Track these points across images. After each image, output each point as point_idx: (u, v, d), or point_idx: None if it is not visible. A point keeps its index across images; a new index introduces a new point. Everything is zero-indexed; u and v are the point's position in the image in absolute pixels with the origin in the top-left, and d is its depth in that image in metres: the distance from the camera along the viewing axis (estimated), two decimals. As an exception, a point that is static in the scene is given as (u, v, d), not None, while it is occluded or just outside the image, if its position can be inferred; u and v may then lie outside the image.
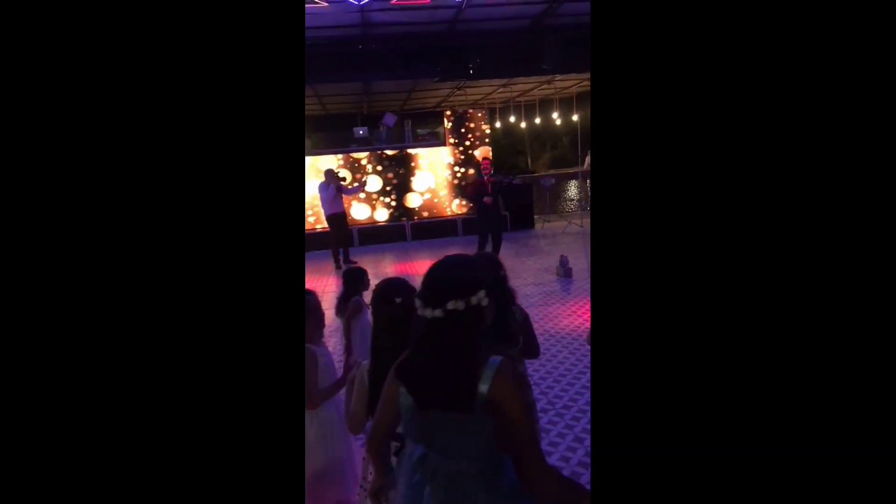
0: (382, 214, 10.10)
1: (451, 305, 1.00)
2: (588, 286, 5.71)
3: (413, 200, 10.13)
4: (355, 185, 9.33)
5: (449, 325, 1.01)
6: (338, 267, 7.47)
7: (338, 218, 7.56)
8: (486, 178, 6.24)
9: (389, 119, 9.42)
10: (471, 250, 8.47)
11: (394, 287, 1.51)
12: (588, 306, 4.97)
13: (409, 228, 9.90)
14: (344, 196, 7.85)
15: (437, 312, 1.01)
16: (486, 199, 5.57)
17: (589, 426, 2.80)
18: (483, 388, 0.97)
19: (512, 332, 1.80)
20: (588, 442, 2.64)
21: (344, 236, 7.76)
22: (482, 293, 1.03)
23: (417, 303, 1.05)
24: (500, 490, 1.00)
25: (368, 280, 3.02)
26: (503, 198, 5.48)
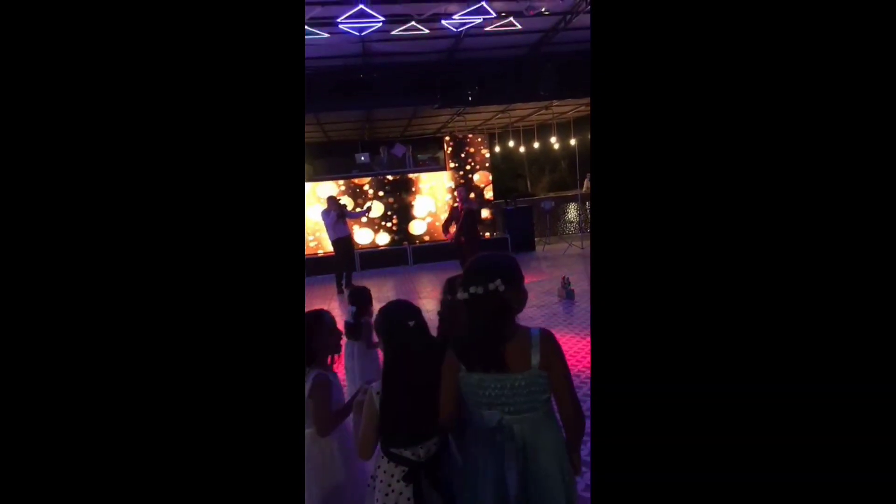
0: (384, 239, 10.15)
1: (472, 290, 1.29)
2: (588, 307, 5.70)
3: (417, 228, 10.21)
4: (358, 209, 9.42)
5: (475, 306, 1.30)
6: (340, 291, 7.50)
7: (342, 242, 7.64)
8: (458, 205, 6.17)
9: (399, 150, 9.61)
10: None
11: (403, 310, 1.51)
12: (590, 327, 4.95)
13: (410, 252, 9.94)
14: (348, 220, 7.94)
15: (464, 295, 1.32)
16: (451, 230, 5.84)
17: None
18: (535, 357, 1.29)
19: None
20: (583, 452, 2.61)
21: (349, 260, 7.83)
22: (498, 281, 1.28)
23: (459, 290, 1.33)
24: (555, 427, 1.37)
25: (372, 302, 3.03)
26: (472, 224, 5.59)
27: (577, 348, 4.41)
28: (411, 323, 1.46)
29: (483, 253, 1.43)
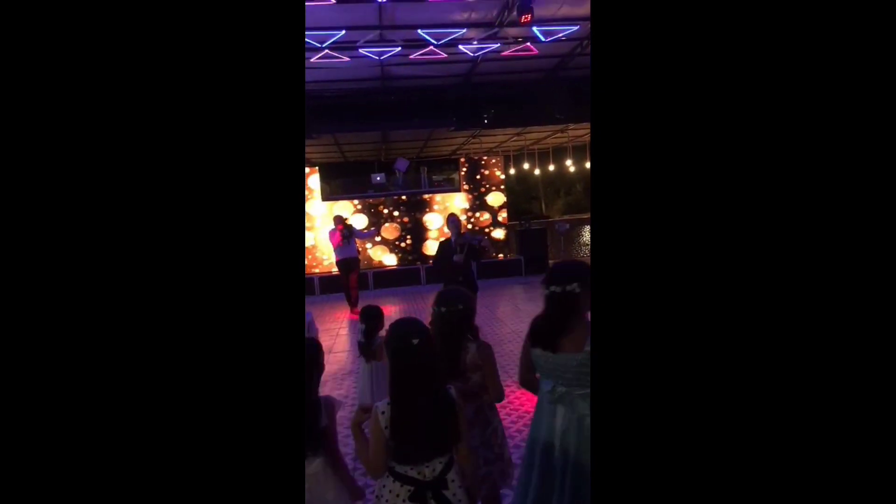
0: (397, 259, 10.20)
1: (553, 288, 1.68)
2: (604, 332, 5.62)
3: (431, 248, 10.25)
4: (371, 229, 9.46)
5: (553, 302, 1.70)
6: (352, 309, 7.45)
7: (345, 263, 7.30)
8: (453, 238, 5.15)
9: (401, 164, 9.67)
10: (485, 294, 8.46)
11: (408, 328, 1.50)
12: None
13: (423, 272, 9.95)
14: (358, 240, 7.82)
15: (546, 292, 1.71)
16: (457, 258, 4.89)
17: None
18: (588, 344, 1.63)
19: (461, 367, 1.89)
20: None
21: (351, 283, 7.41)
22: (575, 285, 1.65)
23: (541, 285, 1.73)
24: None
25: (382, 322, 3.02)
26: (472, 259, 5.06)
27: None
28: (415, 341, 1.45)
29: (564, 260, 1.86)
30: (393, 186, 10.68)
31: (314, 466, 1.71)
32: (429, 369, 1.46)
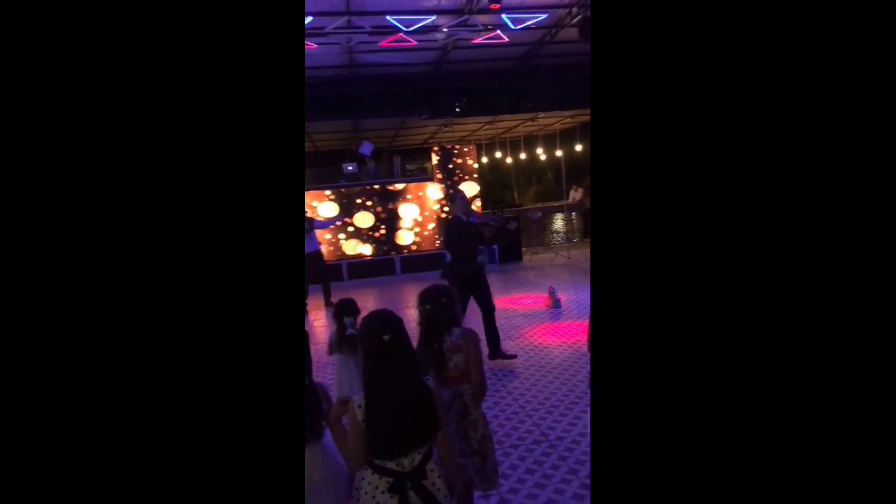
0: (371, 249, 10.14)
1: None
2: (577, 316, 5.74)
3: (405, 238, 10.21)
4: (333, 217, 9.28)
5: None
6: (327, 303, 7.36)
7: (310, 257, 6.93)
8: (474, 219, 4.76)
9: (366, 148, 9.42)
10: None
11: (380, 322, 1.49)
12: (579, 333, 4.99)
13: (398, 262, 9.92)
14: (317, 230, 7.59)
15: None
16: (481, 260, 4.33)
17: (582, 459, 2.78)
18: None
19: (438, 356, 1.93)
20: (581, 473, 2.62)
21: (319, 275, 7.20)
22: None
23: None
24: None
25: (358, 312, 3.02)
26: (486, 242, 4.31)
27: (565, 356, 4.43)
28: (386, 337, 1.45)
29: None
30: (365, 176, 10.56)
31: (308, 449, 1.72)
32: (402, 363, 1.46)
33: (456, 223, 4.44)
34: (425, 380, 1.50)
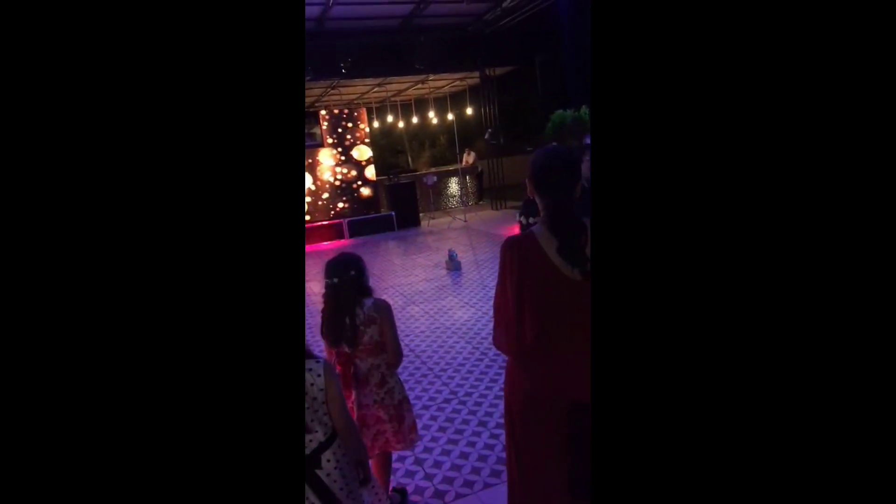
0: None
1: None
2: (476, 277, 5.94)
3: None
4: None
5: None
6: None
7: None
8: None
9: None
10: (360, 251, 8.32)
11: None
12: (479, 296, 5.17)
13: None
14: None
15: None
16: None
17: (490, 411, 2.93)
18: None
19: (351, 331, 1.91)
20: (490, 424, 2.76)
21: None
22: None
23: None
24: None
25: None
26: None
27: (467, 316, 4.58)
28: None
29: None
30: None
31: None
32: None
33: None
34: (311, 364, 1.40)
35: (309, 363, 1.39)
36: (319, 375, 1.38)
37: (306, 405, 1.36)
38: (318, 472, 1.40)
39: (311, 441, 1.39)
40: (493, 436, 2.64)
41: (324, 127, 10.00)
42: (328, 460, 1.41)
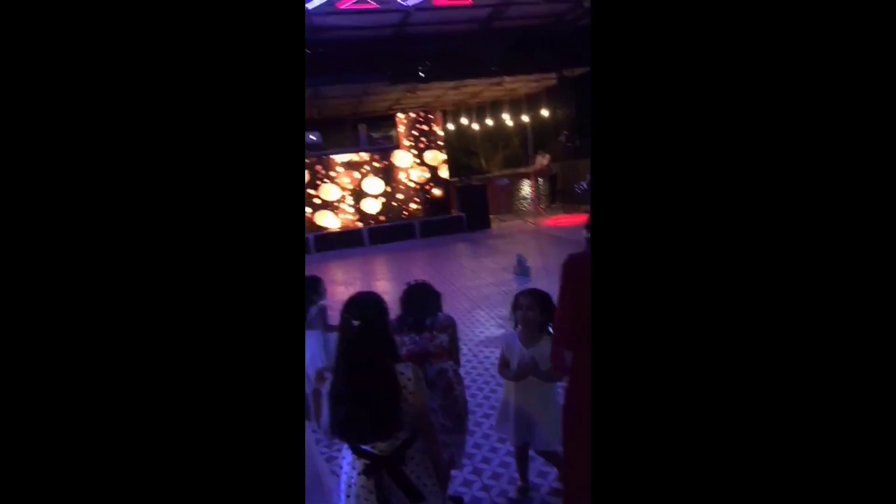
0: (338, 221, 9.96)
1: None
2: (545, 284, 5.83)
3: (369, 205, 10.04)
4: None
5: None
6: None
7: None
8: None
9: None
10: (430, 253, 8.45)
11: (355, 307, 1.46)
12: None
13: (366, 234, 9.80)
14: None
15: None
16: None
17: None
18: None
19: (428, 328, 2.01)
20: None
21: None
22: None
23: None
24: None
25: (324, 288, 3.00)
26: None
27: (533, 324, 4.51)
28: (356, 323, 1.42)
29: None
30: (329, 146, 10.26)
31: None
32: (371, 350, 1.43)
33: None
34: (402, 368, 1.46)
35: (399, 367, 1.46)
36: (410, 379, 1.45)
37: (399, 405, 1.43)
38: (403, 468, 1.45)
39: (397, 439, 1.45)
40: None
41: (400, 130, 10.27)
42: (412, 457, 1.47)
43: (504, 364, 2.12)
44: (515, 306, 2.08)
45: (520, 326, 2.08)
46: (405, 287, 2.11)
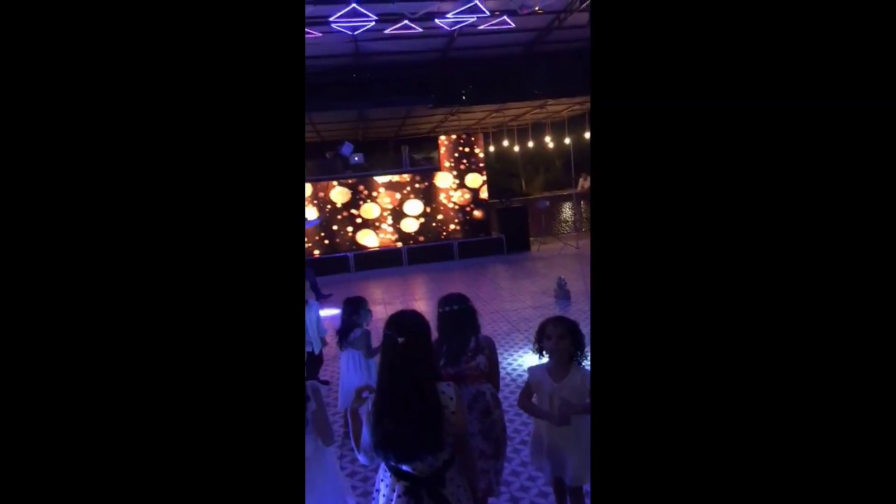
0: (376, 240, 10.10)
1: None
2: (586, 308, 5.67)
3: (408, 225, 10.15)
4: (311, 220, 9.29)
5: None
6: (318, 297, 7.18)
7: None
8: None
9: (346, 148, 9.44)
10: (468, 274, 8.41)
11: (400, 324, 1.45)
12: (588, 328, 4.93)
13: (405, 253, 9.88)
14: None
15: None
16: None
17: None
18: None
19: (467, 353, 1.96)
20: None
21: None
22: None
23: None
24: None
25: (369, 311, 3.00)
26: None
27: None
28: (401, 339, 1.41)
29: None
30: (372, 167, 10.48)
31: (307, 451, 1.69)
32: (413, 368, 1.41)
33: None
34: (443, 387, 1.44)
35: (441, 386, 1.45)
36: (452, 398, 1.43)
37: (441, 424, 1.40)
38: (443, 490, 1.42)
39: (437, 460, 1.42)
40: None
41: (442, 152, 10.39)
42: (451, 479, 1.44)
43: (527, 396, 1.95)
44: (542, 336, 1.92)
45: (547, 357, 1.93)
46: (441, 307, 2.01)
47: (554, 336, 1.87)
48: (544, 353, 1.92)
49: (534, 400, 1.94)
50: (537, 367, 1.97)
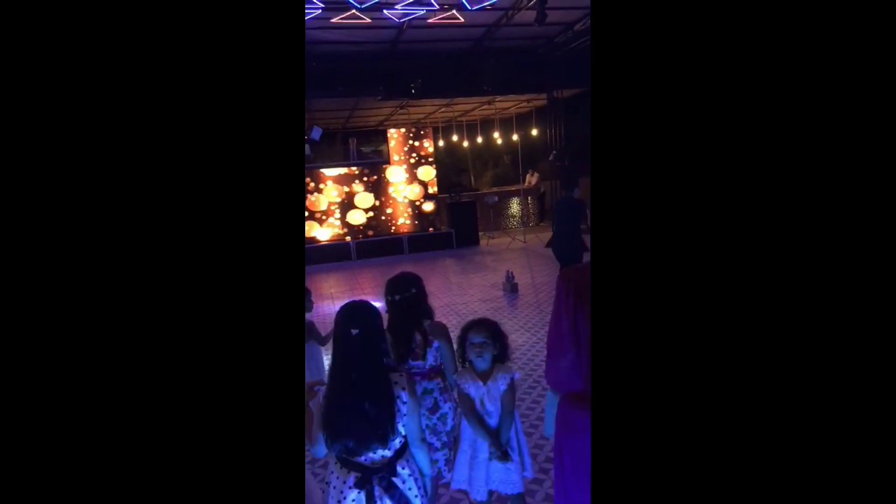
0: (326, 233, 9.88)
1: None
2: (533, 300, 5.82)
3: (356, 217, 9.99)
4: None
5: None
6: None
7: None
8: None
9: (316, 133, 9.17)
10: (418, 268, 8.40)
11: (352, 315, 1.43)
12: (535, 320, 5.05)
13: (353, 247, 9.73)
14: None
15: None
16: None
17: (541, 443, 2.82)
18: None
19: (415, 349, 1.93)
20: (540, 458, 2.65)
21: None
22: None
23: None
24: None
25: (311, 301, 2.93)
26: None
27: (522, 339, 4.48)
28: (354, 331, 1.39)
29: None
30: (319, 159, 10.22)
31: None
32: (367, 358, 1.40)
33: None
34: (396, 378, 1.44)
35: (393, 376, 1.44)
36: (403, 389, 1.43)
37: (394, 413, 1.40)
38: (395, 479, 1.41)
39: (388, 450, 1.41)
40: (542, 470, 2.53)
41: (391, 145, 10.29)
42: (402, 468, 1.44)
43: (469, 407, 1.82)
44: (465, 343, 1.86)
45: (472, 362, 1.87)
46: (390, 294, 1.93)
47: (478, 340, 1.85)
48: (470, 358, 1.87)
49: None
50: (465, 374, 1.88)
